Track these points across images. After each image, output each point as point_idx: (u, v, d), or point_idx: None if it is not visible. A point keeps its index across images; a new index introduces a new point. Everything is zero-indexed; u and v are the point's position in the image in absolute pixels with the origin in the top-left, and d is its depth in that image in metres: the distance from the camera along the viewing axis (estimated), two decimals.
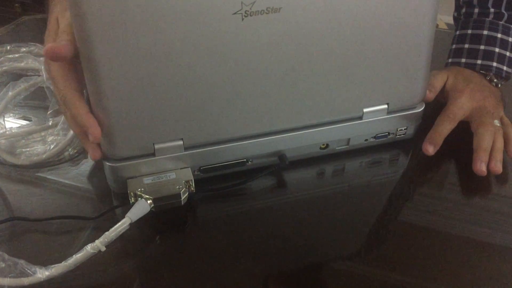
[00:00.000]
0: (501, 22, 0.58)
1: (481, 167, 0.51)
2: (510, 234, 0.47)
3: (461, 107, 0.56)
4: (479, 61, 0.57)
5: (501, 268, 0.43)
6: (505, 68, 0.57)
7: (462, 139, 0.56)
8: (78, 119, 0.42)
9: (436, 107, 0.58)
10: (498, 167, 0.51)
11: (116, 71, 0.40)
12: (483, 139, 0.53)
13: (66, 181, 0.52)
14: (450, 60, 0.61)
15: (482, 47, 0.57)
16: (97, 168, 0.53)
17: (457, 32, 0.61)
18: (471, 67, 0.59)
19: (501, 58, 0.57)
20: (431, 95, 0.57)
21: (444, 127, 0.55)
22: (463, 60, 0.59)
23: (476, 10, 0.59)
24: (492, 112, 0.56)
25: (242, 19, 0.41)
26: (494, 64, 0.57)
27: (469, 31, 0.59)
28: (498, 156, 0.52)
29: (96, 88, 0.41)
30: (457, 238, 0.46)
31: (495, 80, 0.58)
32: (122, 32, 0.39)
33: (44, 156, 0.53)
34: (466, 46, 0.59)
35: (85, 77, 0.41)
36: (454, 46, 0.61)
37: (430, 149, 0.54)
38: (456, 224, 0.47)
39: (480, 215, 0.49)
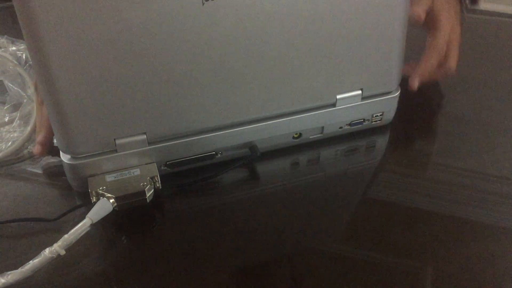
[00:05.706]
0: None
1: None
2: (498, 212, 0.45)
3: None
4: None
5: (489, 247, 0.42)
6: None
7: (441, 124, 0.55)
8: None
9: (413, 92, 0.56)
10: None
11: (66, 59, 0.38)
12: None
13: (26, 181, 0.49)
14: None
15: None
16: (60, 166, 0.50)
17: None
18: None
19: None
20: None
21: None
22: None
23: None
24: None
25: (203, 3, 0.39)
26: None
27: None
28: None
29: (45, 78, 0.38)
30: (443, 219, 0.45)
31: None
32: (72, 17, 0.36)
33: (0, 154, 0.50)
34: None
35: (33, 66, 0.38)
36: None
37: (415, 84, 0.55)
38: (443, 205, 0.46)
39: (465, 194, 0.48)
